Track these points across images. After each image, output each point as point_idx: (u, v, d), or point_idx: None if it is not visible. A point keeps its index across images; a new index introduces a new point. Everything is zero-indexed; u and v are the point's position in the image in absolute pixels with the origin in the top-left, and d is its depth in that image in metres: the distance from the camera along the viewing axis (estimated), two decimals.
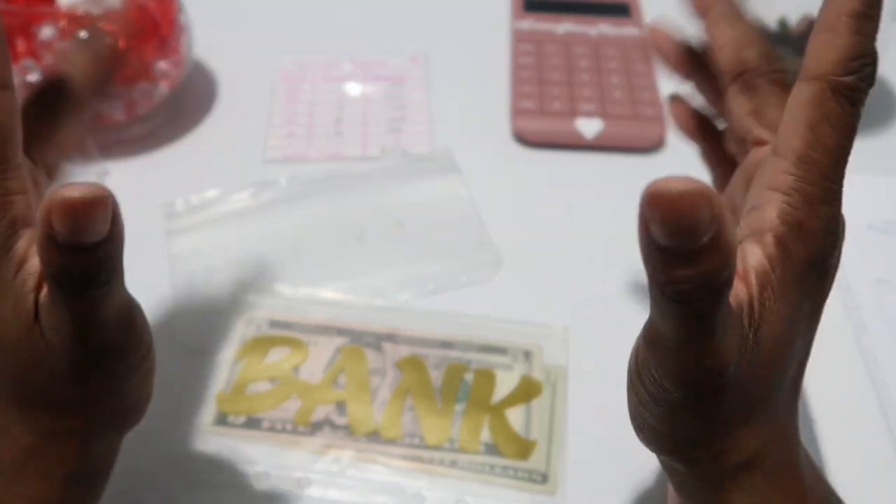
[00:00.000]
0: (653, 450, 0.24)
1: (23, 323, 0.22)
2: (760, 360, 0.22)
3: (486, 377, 0.38)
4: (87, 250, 0.21)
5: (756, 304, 0.21)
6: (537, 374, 0.38)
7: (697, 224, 0.17)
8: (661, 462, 0.25)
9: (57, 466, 0.24)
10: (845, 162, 0.22)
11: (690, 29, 0.56)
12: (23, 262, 0.23)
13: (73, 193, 0.21)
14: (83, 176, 0.47)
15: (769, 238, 0.22)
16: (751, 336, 0.21)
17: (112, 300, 0.22)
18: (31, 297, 0.22)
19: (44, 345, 0.22)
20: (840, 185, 0.22)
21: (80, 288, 0.21)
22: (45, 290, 0.22)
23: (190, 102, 0.53)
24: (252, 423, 0.36)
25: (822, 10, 0.22)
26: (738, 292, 0.21)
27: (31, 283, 0.22)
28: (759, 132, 0.29)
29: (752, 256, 0.22)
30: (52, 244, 0.20)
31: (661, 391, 0.21)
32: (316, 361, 0.38)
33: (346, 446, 0.35)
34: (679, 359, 0.21)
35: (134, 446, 0.37)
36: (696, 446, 0.23)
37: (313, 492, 0.34)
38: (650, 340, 0.21)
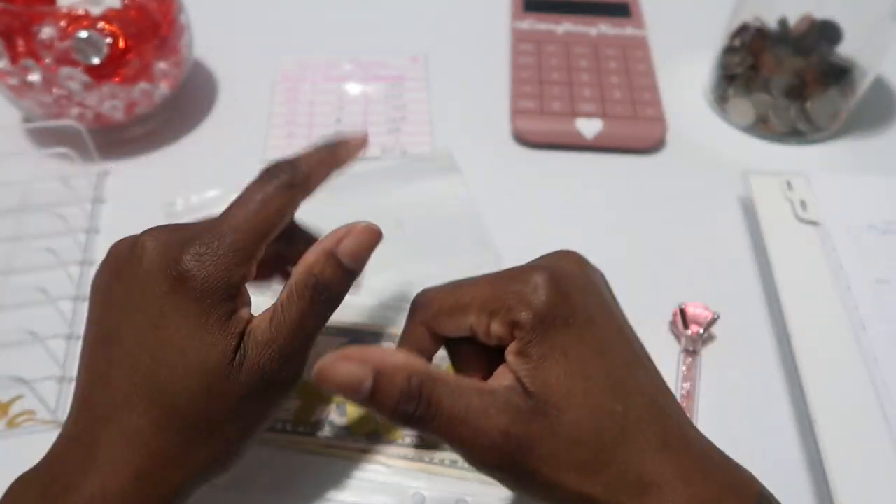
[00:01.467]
0: None
1: (223, 358, 0.25)
2: (552, 407, 0.24)
3: None
4: (354, 274, 0.27)
5: (522, 362, 0.25)
6: None
7: (348, 388, 0.23)
8: None
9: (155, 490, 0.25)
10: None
11: (690, 29, 0.56)
12: (235, 310, 0.26)
13: (373, 226, 0.28)
14: (84, 176, 0.47)
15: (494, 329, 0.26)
16: (520, 398, 0.24)
17: (322, 326, 0.27)
18: (237, 340, 0.26)
19: (234, 376, 0.25)
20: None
21: (332, 306, 0.27)
22: (264, 328, 0.26)
23: (190, 102, 0.53)
24: None
25: None
26: (509, 352, 0.25)
27: (240, 326, 0.26)
28: None
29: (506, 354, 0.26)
30: (338, 266, 0.26)
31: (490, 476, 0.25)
32: (316, 361, 0.38)
33: (346, 446, 0.35)
34: (460, 454, 0.25)
35: None
36: (577, 499, 0.24)
37: (314, 492, 0.34)
38: None
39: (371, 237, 0.27)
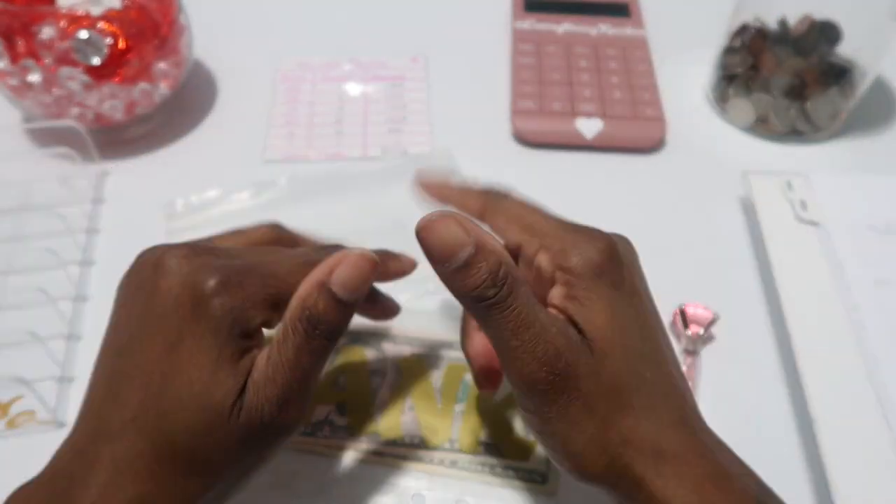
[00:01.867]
0: (577, 477, 0.25)
1: (226, 399, 0.24)
2: (597, 349, 0.25)
3: None
4: (350, 305, 0.26)
5: (571, 303, 0.25)
6: None
7: (446, 249, 0.23)
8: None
9: None
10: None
11: (690, 29, 0.56)
12: (248, 349, 0.26)
13: (367, 254, 0.26)
14: (84, 176, 0.47)
15: (560, 259, 0.27)
16: (573, 331, 0.25)
17: (324, 363, 0.26)
18: (244, 378, 0.25)
19: (234, 418, 0.24)
20: (567, 224, 0.28)
21: (331, 340, 0.26)
22: (261, 368, 0.25)
23: (190, 102, 0.53)
24: None
25: None
26: (555, 295, 0.26)
27: (249, 367, 0.25)
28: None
29: (558, 275, 0.26)
30: (331, 298, 0.25)
31: (521, 400, 0.25)
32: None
33: (346, 446, 0.35)
34: (507, 361, 0.24)
35: None
36: (596, 449, 0.24)
37: (314, 492, 0.34)
38: (497, 356, 0.25)
39: (366, 266, 0.26)
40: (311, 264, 0.27)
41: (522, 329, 0.24)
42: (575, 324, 0.25)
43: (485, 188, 0.32)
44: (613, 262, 0.26)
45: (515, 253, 0.29)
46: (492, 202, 0.31)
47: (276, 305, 0.26)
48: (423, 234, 0.23)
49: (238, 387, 0.25)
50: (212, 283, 0.24)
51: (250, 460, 0.26)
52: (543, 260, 0.27)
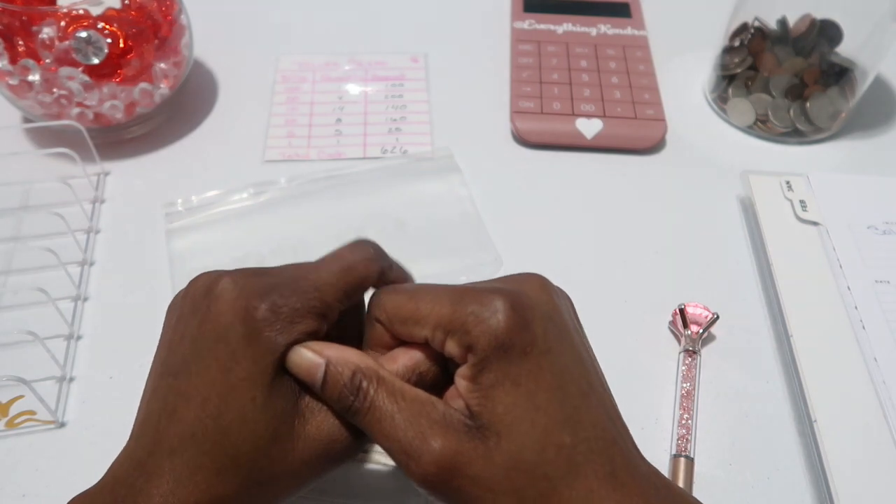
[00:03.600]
0: None
1: (288, 412, 0.26)
2: (493, 433, 0.24)
3: None
4: None
5: (473, 392, 0.25)
6: None
7: (306, 375, 0.26)
8: None
9: None
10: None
11: (690, 29, 0.56)
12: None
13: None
14: (84, 176, 0.47)
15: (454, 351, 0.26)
16: (459, 417, 0.25)
17: None
18: (300, 393, 0.26)
19: (297, 435, 0.26)
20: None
21: None
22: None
23: (190, 102, 0.53)
24: None
25: None
26: (459, 381, 0.25)
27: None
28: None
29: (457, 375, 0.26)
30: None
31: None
32: None
33: None
34: (391, 457, 0.25)
35: None
36: None
37: (314, 492, 0.34)
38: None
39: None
40: (349, 269, 0.28)
41: (391, 429, 0.24)
42: (471, 411, 0.24)
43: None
44: (518, 324, 0.24)
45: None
46: (371, 312, 0.29)
47: (322, 315, 0.27)
48: (288, 367, 0.26)
49: (297, 401, 0.26)
50: (263, 307, 0.26)
51: (310, 474, 0.26)
52: (451, 347, 0.25)
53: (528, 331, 0.24)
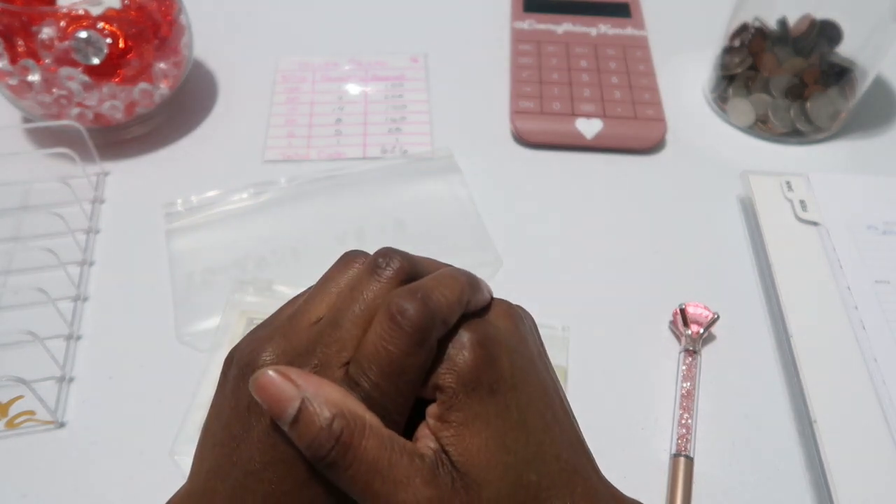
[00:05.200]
0: None
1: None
2: (472, 481, 0.23)
3: None
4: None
5: (445, 432, 0.23)
6: None
7: (275, 406, 0.22)
8: None
9: None
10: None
11: (690, 29, 0.56)
12: None
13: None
14: (84, 176, 0.47)
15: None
16: (442, 469, 0.23)
17: None
18: None
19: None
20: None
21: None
22: None
23: (190, 102, 0.53)
24: None
25: None
26: (430, 421, 0.24)
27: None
28: None
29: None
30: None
31: None
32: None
33: None
34: None
35: (139, 441, 0.37)
36: None
37: None
38: None
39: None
40: (369, 312, 0.24)
41: (377, 483, 0.22)
42: (449, 455, 0.23)
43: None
44: (486, 361, 0.23)
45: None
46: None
47: (349, 364, 0.25)
48: (254, 391, 0.22)
49: None
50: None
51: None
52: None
53: (494, 367, 0.24)
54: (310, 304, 0.25)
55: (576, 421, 0.26)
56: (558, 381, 0.27)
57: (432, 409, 0.24)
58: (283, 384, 0.22)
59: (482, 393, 0.23)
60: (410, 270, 0.25)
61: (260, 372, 0.22)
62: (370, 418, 0.22)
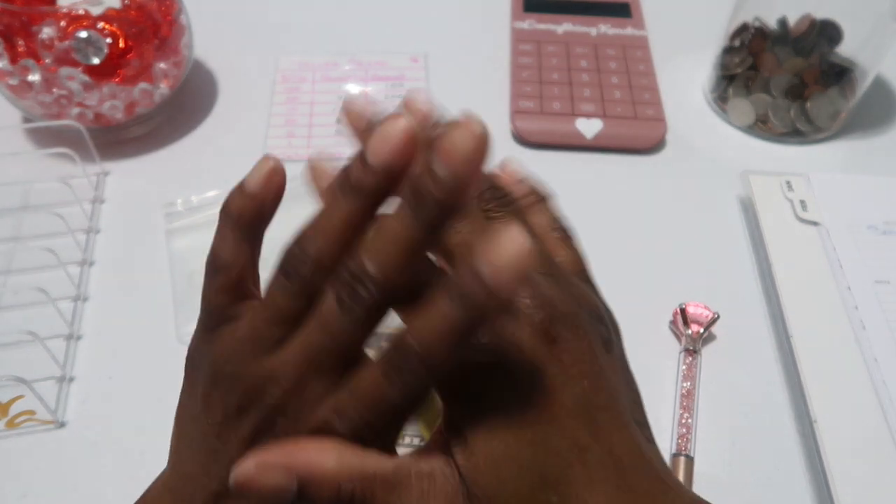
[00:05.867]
0: None
1: None
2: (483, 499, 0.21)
3: None
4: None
5: (461, 470, 0.21)
6: None
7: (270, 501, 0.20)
8: None
9: None
10: None
11: (690, 29, 0.55)
12: None
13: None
14: (84, 176, 0.47)
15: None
16: (461, 497, 0.21)
17: None
18: None
19: None
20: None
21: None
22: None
23: (190, 102, 0.53)
24: None
25: None
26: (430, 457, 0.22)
27: None
28: None
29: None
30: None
31: None
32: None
33: None
34: None
35: (139, 441, 0.37)
36: None
37: None
38: None
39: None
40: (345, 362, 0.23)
41: None
42: (460, 471, 0.21)
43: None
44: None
45: None
46: None
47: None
48: (243, 491, 0.20)
49: None
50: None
51: None
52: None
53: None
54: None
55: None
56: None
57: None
58: (271, 476, 0.20)
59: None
60: (385, 298, 0.22)
61: (240, 468, 0.20)
62: (370, 464, 0.21)
